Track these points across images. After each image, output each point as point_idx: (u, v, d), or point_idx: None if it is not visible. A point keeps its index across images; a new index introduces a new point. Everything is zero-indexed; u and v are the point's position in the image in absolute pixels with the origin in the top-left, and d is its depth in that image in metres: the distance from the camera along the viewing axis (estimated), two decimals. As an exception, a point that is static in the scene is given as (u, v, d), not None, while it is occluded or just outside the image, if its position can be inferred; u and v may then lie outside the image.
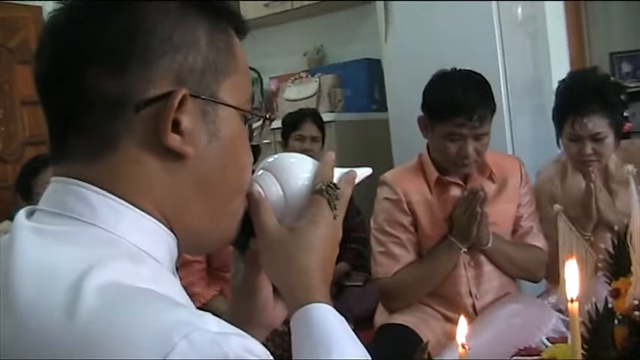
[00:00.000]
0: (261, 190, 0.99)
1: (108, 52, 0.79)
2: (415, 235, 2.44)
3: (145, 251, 0.79)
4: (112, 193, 0.79)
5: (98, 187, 0.79)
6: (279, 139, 3.90)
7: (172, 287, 0.76)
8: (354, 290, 3.51)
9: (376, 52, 4.46)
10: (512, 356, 1.99)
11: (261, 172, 1.02)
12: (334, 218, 0.98)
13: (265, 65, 5.02)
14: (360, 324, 2.75)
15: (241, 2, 4.65)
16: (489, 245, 2.37)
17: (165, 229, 0.83)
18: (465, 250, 2.36)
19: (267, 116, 1.03)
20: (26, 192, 3.21)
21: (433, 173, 2.42)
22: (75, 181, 0.80)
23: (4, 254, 0.75)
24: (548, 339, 2.08)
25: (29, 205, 2.65)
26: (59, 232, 0.76)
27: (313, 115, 3.80)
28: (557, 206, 1.84)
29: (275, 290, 1.06)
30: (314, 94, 4.45)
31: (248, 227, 0.97)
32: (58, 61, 0.81)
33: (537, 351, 1.98)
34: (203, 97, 0.82)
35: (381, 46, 4.12)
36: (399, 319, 2.38)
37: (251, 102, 0.93)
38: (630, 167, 1.38)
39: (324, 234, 0.96)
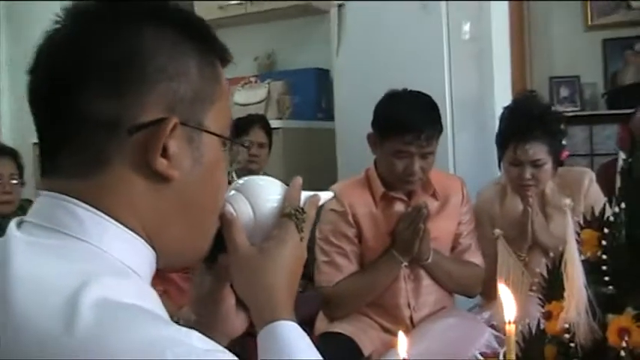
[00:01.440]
0: (232, 211, 1.04)
1: (106, 74, 0.82)
2: (359, 247, 2.51)
3: (128, 266, 0.83)
4: (100, 210, 0.83)
5: (87, 203, 0.82)
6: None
7: (155, 302, 0.81)
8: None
9: (326, 63, 4.51)
10: (445, 369, 2.08)
11: (232, 192, 1.08)
12: (300, 240, 1.05)
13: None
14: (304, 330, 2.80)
15: (195, 3, 4.66)
16: (429, 260, 2.46)
17: (147, 245, 0.87)
18: (406, 263, 2.44)
19: (245, 144, 1.09)
20: None
21: (379, 188, 2.50)
22: (64, 196, 0.83)
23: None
24: (481, 354, 2.18)
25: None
26: (50, 245, 0.79)
27: (261, 121, 3.83)
28: (497, 231, 1.94)
29: (237, 301, 1.11)
30: (263, 100, 4.48)
31: (218, 243, 1.02)
32: (55, 78, 0.84)
33: (470, 365, 2.07)
34: (191, 124, 0.86)
35: (332, 58, 4.17)
36: (339, 327, 2.45)
37: (230, 127, 0.97)
38: (568, 201, 1.47)
39: (291, 254, 1.03)
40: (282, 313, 0.99)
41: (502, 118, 2.67)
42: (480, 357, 2.16)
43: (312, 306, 2.78)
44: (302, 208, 1.08)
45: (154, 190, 0.85)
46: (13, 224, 0.84)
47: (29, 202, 3.63)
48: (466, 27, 4.01)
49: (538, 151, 2.53)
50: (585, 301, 1.44)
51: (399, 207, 2.50)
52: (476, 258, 2.60)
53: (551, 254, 1.62)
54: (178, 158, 0.85)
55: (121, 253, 0.83)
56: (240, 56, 5.13)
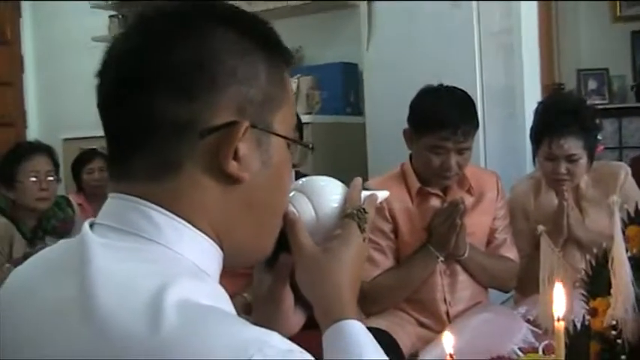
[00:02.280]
0: (295, 211, 1.06)
1: (177, 78, 0.83)
2: (395, 242, 2.52)
3: (201, 269, 0.85)
4: (174, 213, 0.85)
5: (161, 206, 0.84)
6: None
7: (228, 303, 0.83)
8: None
9: (353, 57, 4.53)
10: (484, 363, 2.09)
11: (294, 193, 1.09)
12: (363, 240, 1.07)
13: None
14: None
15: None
16: (466, 255, 2.47)
17: (217, 247, 0.89)
18: (442, 258, 2.46)
19: (310, 146, 1.12)
20: (9, 180, 3.18)
21: (415, 183, 2.51)
22: (139, 199, 0.85)
23: (76, 265, 0.80)
24: (519, 349, 2.19)
25: (11, 193, 2.69)
26: (128, 248, 0.81)
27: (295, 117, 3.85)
28: (540, 227, 1.95)
29: (295, 300, 1.14)
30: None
31: (279, 243, 1.04)
32: (126, 84, 0.85)
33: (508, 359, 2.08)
34: (261, 127, 0.88)
35: (361, 52, 4.19)
36: (376, 322, 2.46)
37: (295, 129, 0.99)
38: (615, 197, 1.48)
39: (355, 254, 1.05)
40: (349, 312, 1.01)
41: (536, 113, 2.68)
42: (518, 352, 2.17)
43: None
44: (364, 209, 1.09)
45: (224, 192, 0.87)
46: (86, 225, 0.86)
47: (64, 198, 3.69)
48: (496, 20, 4.02)
49: (573, 145, 2.53)
50: (633, 298, 1.45)
51: (435, 202, 2.51)
52: (511, 253, 2.61)
53: (595, 250, 1.63)
54: (248, 160, 0.87)
55: (195, 256, 0.85)
56: (268, 51, 5.15)
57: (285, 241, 1.07)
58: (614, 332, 1.50)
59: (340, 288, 1.03)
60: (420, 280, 2.49)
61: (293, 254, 1.06)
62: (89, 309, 0.75)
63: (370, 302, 2.53)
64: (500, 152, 3.91)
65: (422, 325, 2.51)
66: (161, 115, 0.83)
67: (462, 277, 2.54)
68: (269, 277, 1.13)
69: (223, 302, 0.81)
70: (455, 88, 2.49)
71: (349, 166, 4.03)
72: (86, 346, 0.74)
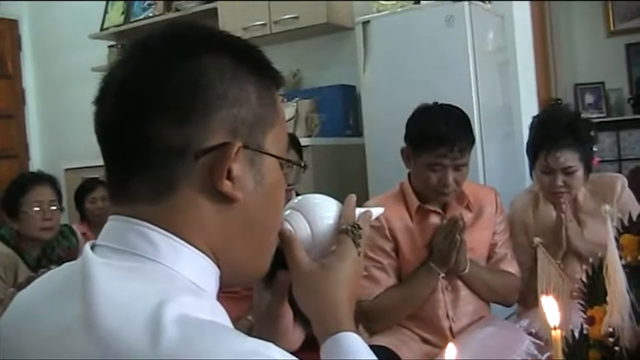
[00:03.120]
0: (291, 228, 1.09)
1: (172, 104, 0.87)
2: (396, 260, 2.54)
3: (199, 286, 0.88)
4: (171, 232, 0.88)
5: (158, 226, 0.87)
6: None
7: (226, 319, 0.85)
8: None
9: (351, 79, 4.57)
10: (488, 378, 2.10)
11: (289, 211, 1.13)
12: (358, 255, 1.10)
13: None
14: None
15: (221, 24, 4.73)
16: (466, 271, 2.48)
17: (214, 265, 0.92)
18: (443, 275, 2.47)
19: (302, 165, 1.15)
20: (13, 210, 3.21)
21: (414, 201, 2.53)
22: (137, 220, 0.88)
23: (78, 286, 0.83)
24: (522, 361, 2.20)
25: (16, 224, 2.71)
26: (128, 268, 0.84)
27: (292, 139, 3.87)
28: (537, 239, 1.97)
29: (294, 317, 1.16)
30: (291, 119, 4.53)
31: (276, 260, 1.07)
32: (124, 110, 0.88)
33: (512, 373, 2.10)
34: (252, 147, 0.91)
35: (358, 74, 4.23)
36: (379, 340, 2.48)
37: (287, 149, 1.03)
38: (607, 207, 1.50)
39: (351, 269, 1.08)
40: (346, 325, 1.04)
41: (532, 127, 2.71)
42: (522, 365, 2.19)
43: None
44: (358, 225, 1.12)
45: (219, 211, 0.90)
46: (87, 247, 0.89)
47: (68, 227, 3.72)
48: (490, 39, 4.07)
49: (569, 158, 2.56)
50: (628, 305, 1.47)
51: (435, 219, 2.54)
52: (512, 267, 2.63)
53: (590, 260, 1.65)
54: (242, 180, 0.90)
55: (193, 274, 0.88)
56: (266, 76, 5.20)
57: (282, 258, 1.09)
58: (611, 339, 1.51)
59: (337, 302, 1.06)
60: (423, 297, 2.50)
61: (290, 271, 1.09)
62: (93, 328, 0.77)
63: (373, 320, 2.55)
64: (499, 171, 3.95)
65: (425, 341, 2.52)
66: (157, 140, 0.86)
67: (464, 292, 2.55)
68: (268, 294, 1.16)
69: (221, 318, 0.83)
70: (450, 105, 2.52)
71: (350, 187, 4.03)
72: None
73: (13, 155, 6.23)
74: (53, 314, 0.85)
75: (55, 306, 0.86)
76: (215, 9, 4.98)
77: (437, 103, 2.53)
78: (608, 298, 1.51)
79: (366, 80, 4.17)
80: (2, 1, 5.88)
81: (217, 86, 0.89)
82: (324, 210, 1.14)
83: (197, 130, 0.87)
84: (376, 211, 1.22)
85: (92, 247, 0.90)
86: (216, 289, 0.94)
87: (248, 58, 0.94)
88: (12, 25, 6.26)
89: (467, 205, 2.58)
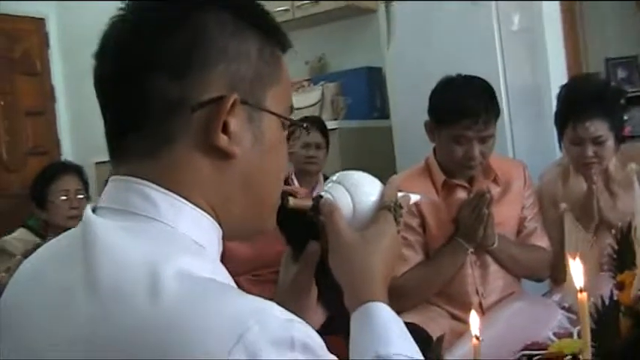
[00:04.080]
0: (333, 200, 1.10)
1: (171, 59, 0.85)
2: (423, 237, 2.50)
3: (201, 245, 0.86)
4: (170, 190, 0.86)
5: (157, 184, 0.86)
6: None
7: (228, 279, 0.84)
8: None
9: (377, 61, 4.54)
10: (519, 351, 2.05)
11: (331, 184, 1.15)
12: (397, 232, 1.11)
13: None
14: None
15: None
16: (495, 245, 2.44)
17: (215, 222, 0.90)
18: (472, 250, 2.43)
19: (305, 125, 1.13)
20: (41, 200, 3.23)
21: (440, 176, 2.49)
22: (136, 179, 0.86)
23: (80, 247, 0.82)
24: (554, 334, 2.15)
25: (44, 214, 2.71)
26: (129, 227, 0.83)
27: (318, 122, 3.85)
28: (563, 205, 1.92)
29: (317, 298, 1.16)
30: (317, 102, 4.51)
31: (308, 230, 1.08)
32: (124, 65, 0.87)
33: (544, 346, 2.04)
34: (251, 103, 0.89)
35: (383, 55, 4.19)
36: (408, 318, 2.43)
37: (291, 111, 1.01)
38: (634, 165, 1.45)
39: (389, 244, 1.09)
40: (379, 296, 1.04)
41: (559, 98, 2.65)
42: (553, 337, 2.13)
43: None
44: (400, 204, 1.13)
45: (217, 167, 0.88)
46: (88, 209, 0.88)
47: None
48: (516, 18, 3.99)
49: (599, 127, 2.49)
50: (658, 266, 1.42)
51: (461, 194, 2.49)
52: (542, 241, 2.57)
53: (619, 224, 1.60)
54: (239, 135, 0.88)
55: (195, 233, 0.86)
56: (292, 62, 5.19)
57: (313, 229, 1.11)
58: (641, 303, 1.47)
59: (373, 274, 1.06)
60: (451, 273, 2.46)
61: (330, 240, 1.09)
62: (93, 287, 0.77)
63: (401, 298, 2.50)
64: (529, 151, 3.86)
65: (455, 318, 2.48)
66: (156, 94, 0.85)
67: (494, 267, 2.50)
68: (295, 267, 1.16)
69: (222, 277, 0.82)
70: (473, 77, 2.47)
71: (378, 169, 4.00)
72: (92, 319, 0.75)
73: (45, 152, 6.26)
74: (56, 275, 0.85)
75: (57, 267, 0.86)
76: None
77: (460, 74, 2.49)
78: (637, 261, 1.46)
79: (390, 61, 4.12)
80: (29, 1, 5.91)
81: (217, 40, 0.87)
82: (368, 186, 1.16)
83: (195, 84, 0.86)
84: (414, 197, 1.23)
85: (94, 211, 0.88)
86: (219, 246, 0.93)
87: (251, 15, 0.92)
88: (39, 23, 6.30)
89: (494, 179, 2.53)
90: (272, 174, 0.97)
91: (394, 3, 4.02)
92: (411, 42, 4.01)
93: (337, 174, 1.18)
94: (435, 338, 2.36)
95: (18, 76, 6.13)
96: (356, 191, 1.13)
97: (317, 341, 0.77)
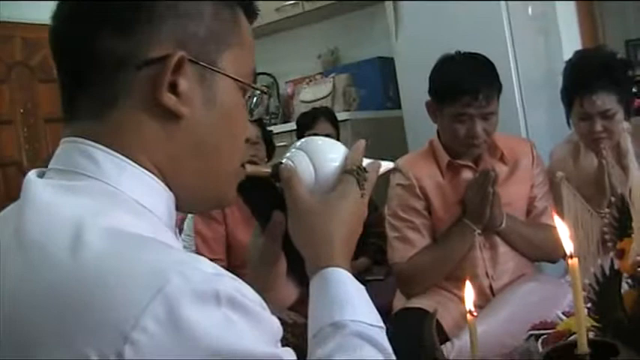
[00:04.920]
0: (293, 166, 1.06)
1: (117, 14, 0.82)
2: (429, 219, 2.45)
3: (145, 207, 0.82)
4: (115, 150, 0.83)
5: (102, 144, 0.83)
6: (296, 140, 3.92)
7: (172, 241, 0.80)
8: (376, 284, 3.51)
9: (389, 51, 4.48)
10: (527, 331, 2.00)
11: (293, 150, 1.10)
12: (361, 197, 1.05)
13: (280, 69, 5.08)
14: (383, 317, 2.73)
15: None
16: (503, 226, 2.38)
17: (164, 185, 0.86)
18: (479, 231, 2.37)
19: (264, 90, 1.09)
20: None
21: (444, 157, 2.44)
22: (81, 139, 0.84)
23: (16, 205, 0.81)
24: (563, 313, 2.08)
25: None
26: (67, 185, 0.80)
27: (326, 113, 3.80)
28: (559, 173, 1.85)
29: (287, 271, 1.12)
30: (329, 94, 4.48)
31: (272, 199, 1.05)
32: (73, 22, 0.85)
33: (553, 325, 1.98)
34: (202, 63, 0.86)
35: (393, 45, 4.14)
36: (417, 303, 2.39)
37: (253, 77, 0.97)
38: (625, 124, 1.39)
39: (351, 208, 1.04)
40: (338, 261, 1.00)
41: (565, 72, 2.57)
42: (562, 316, 2.06)
43: (394, 293, 2.72)
44: (364, 168, 1.09)
45: (165, 129, 0.85)
46: (33, 171, 0.85)
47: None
48: (528, 6, 3.92)
49: (607, 101, 2.41)
50: (656, 229, 1.36)
51: (467, 174, 2.43)
52: (553, 221, 2.49)
53: (619, 190, 1.53)
54: (189, 96, 0.85)
55: (138, 193, 0.83)
56: (304, 56, 5.22)
57: (278, 198, 1.07)
58: (640, 269, 1.40)
59: (332, 239, 1.02)
60: (459, 255, 2.40)
61: (288, 207, 1.05)
62: (20, 241, 0.75)
63: (409, 283, 2.47)
64: (544, 136, 3.77)
65: (465, 302, 2.41)
66: (102, 52, 0.83)
67: (503, 249, 2.44)
68: (262, 240, 1.12)
69: (166, 239, 0.78)
70: (472, 53, 2.42)
71: (391, 159, 3.95)
72: (20, 275, 0.73)
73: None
74: None
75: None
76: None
77: (459, 51, 2.43)
78: (634, 224, 1.39)
79: (399, 50, 4.07)
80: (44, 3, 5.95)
81: None
82: (330, 152, 1.11)
83: (141, 41, 0.83)
84: (385, 165, 1.18)
85: (44, 174, 0.86)
86: (171, 213, 0.89)
87: None
88: (56, 30, 6.36)
89: (501, 158, 2.47)
90: (227, 139, 0.93)
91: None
92: (419, 30, 3.95)
93: (301, 140, 1.13)
94: (444, 324, 2.31)
95: (37, 84, 6.17)
96: (317, 157, 1.08)
97: (250, 297, 0.73)
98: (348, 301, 0.95)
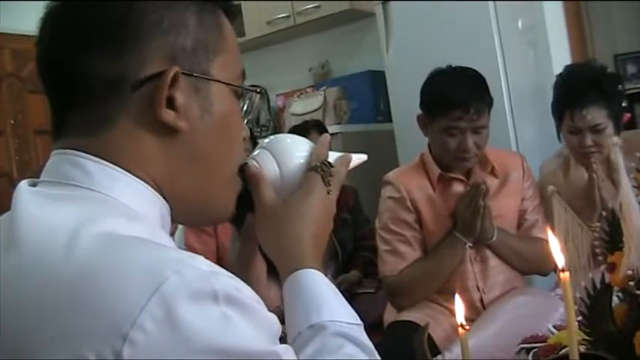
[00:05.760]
0: (258, 166, 1.04)
1: (103, 35, 0.83)
2: (420, 232, 2.45)
3: (138, 213, 0.82)
4: (108, 162, 0.83)
5: (94, 156, 0.83)
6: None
7: (168, 243, 0.79)
8: (366, 297, 3.51)
9: (379, 64, 4.49)
10: (518, 344, 1.99)
11: (258, 150, 1.07)
12: (327, 193, 1.03)
13: (271, 82, 5.07)
14: (373, 330, 2.74)
15: (245, 21, 4.73)
16: (494, 239, 2.38)
17: (157, 194, 0.86)
18: (470, 244, 2.37)
19: (259, 90, 1.09)
20: None
21: (435, 170, 2.44)
22: (72, 151, 0.83)
23: (7, 215, 0.80)
24: (554, 326, 2.08)
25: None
26: (57, 195, 0.80)
27: (317, 125, 3.81)
28: (550, 187, 1.86)
29: (269, 272, 1.11)
30: (320, 107, 4.48)
31: (244, 202, 1.01)
32: (57, 44, 0.85)
33: (544, 338, 1.98)
34: (195, 74, 0.86)
35: (383, 58, 4.15)
36: (407, 316, 2.39)
37: (242, 78, 0.97)
38: (615, 139, 1.39)
39: (317, 206, 1.02)
40: (308, 262, 0.98)
41: (556, 86, 2.58)
42: (553, 329, 2.06)
43: (384, 307, 2.71)
44: (329, 163, 1.07)
45: (163, 143, 0.85)
46: (24, 182, 0.85)
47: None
48: (517, 14, 3.94)
49: (597, 115, 2.42)
50: (646, 242, 1.36)
51: (458, 188, 2.44)
52: (544, 234, 2.50)
53: (610, 205, 1.53)
54: (186, 109, 0.85)
55: (131, 201, 0.82)
56: (295, 69, 5.22)
57: (250, 201, 1.04)
58: (631, 283, 1.40)
59: (299, 238, 1.00)
60: (450, 268, 2.41)
61: (255, 209, 1.04)
62: (12, 245, 0.74)
63: (400, 296, 2.46)
64: (534, 150, 3.78)
65: (455, 315, 2.41)
66: (92, 74, 0.83)
67: (494, 262, 2.44)
68: (238, 242, 1.11)
69: (161, 240, 0.78)
70: (463, 67, 2.43)
71: (382, 172, 3.96)
72: (12, 278, 0.72)
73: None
74: None
75: None
76: (239, 4, 4.95)
77: (450, 65, 2.44)
78: (624, 238, 1.40)
79: (390, 63, 4.07)
80: (35, 14, 5.93)
81: (150, 13, 0.84)
82: (295, 149, 1.08)
83: (132, 60, 0.83)
84: (357, 157, 1.15)
85: (35, 185, 0.85)
86: (165, 223, 0.89)
87: None
88: (46, 42, 6.34)
89: (492, 171, 2.48)
90: (224, 144, 0.93)
91: (391, 3, 3.97)
92: (409, 44, 3.95)
93: (266, 139, 1.10)
94: (435, 337, 2.31)
95: (27, 95, 6.15)
96: (281, 155, 1.06)
97: (247, 294, 0.73)
98: (324, 302, 0.94)
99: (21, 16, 5.78)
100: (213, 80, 0.89)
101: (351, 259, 3.73)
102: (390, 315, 2.53)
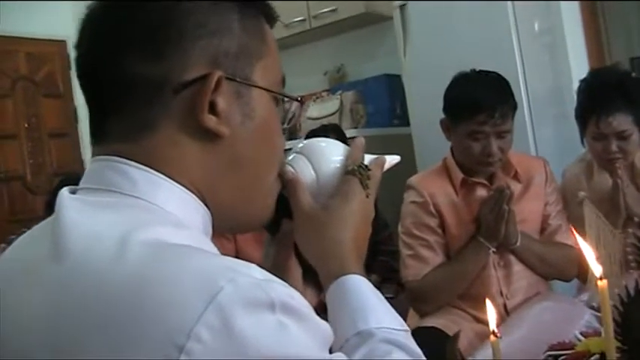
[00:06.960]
0: (294, 171, 1.02)
1: (145, 37, 0.82)
2: (443, 237, 2.44)
3: (183, 222, 0.81)
4: (151, 168, 0.82)
5: (136, 162, 0.82)
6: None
7: (214, 251, 0.78)
8: (386, 302, 3.49)
9: (396, 68, 4.48)
10: (545, 352, 1.98)
11: (293, 155, 1.06)
12: (366, 197, 1.02)
13: (287, 86, 5.03)
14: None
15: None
16: (518, 244, 2.36)
17: (199, 201, 0.85)
18: (494, 249, 2.36)
19: (299, 99, 1.08)
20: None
21: (458, 174, 2.43)
22: (114, 157, 0.82)
23: (50, 222, 0.78)
24: (581, 333, 2.06)
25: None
26: (101, 202, 0.79)
27: (335, 129, 3.79)
28: (582, 193, 1.84)
29: (304, 278, 1.09)
30: (336, 111, 4.47)
31: (280, 208, 1.00)
32: (98, 46, 0.84)
33: (571, 345, 1.96)
34: (238, 79, 0.85)
35: (401, 62, 4.14)
36: (430, 321, 2.37)
37: (282, 85, 0.96)
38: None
39: (356, 210, 1.01)
40: (351, 267, 0.97)
41: (579, 91, 2.56)
42: (581, 337, 2.04)
43: (404, 311, 2.70)
44: (366, 165, 1.05)
45: (205, 149, 0.84)
46: (65, 189, 0.84)
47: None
48: (534, 18, 3.92)
49: (622, 121, 2.40)
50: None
51: (481, 192, 2.42)
52: (568, 239, 2.48)
53: (635, 210, 1.51)
54: (228, 114, 0.84)
55: (175, 208, 0.81)
56: (310, 73, 5.21)
57: (287, 206, 1.02)
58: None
59: (340, 243, 0.99)
60: (473, 273, 2.39)
61: (294, 216, 1.02)
62: (61, 256, 0.73)
63: (422, 301, 2.45)
64: (554, 153, 3.76)
65: (479, 320, 2.39)
66: (133, 76, 0.82)
67: (518, 267, 2.43)
68: (274, 248, 1.10)
69: (207, 247, 0.77)
70: (488, 71, 2.41)
71: (399, 176, 3.94)
72: (59, 290, 0.71)
73: (70, 173, 6.28)
74: (23, 254, 0.83)
75: (27, 247, 0.84)
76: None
77: (474, 69, 2.43)
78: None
79: (407, 66, 4.07)
80: (49, 18, 5.94)
81: (194, 15, 0.83)
82: (331, 153, 1.07)
83: (174, 63, 0.82)
84: (391, 159, 1.15)
85: (75, 192, 0.84)
86: (207, 230, 0.88)
87: None
88: (61, 45, 6.31)
89: (515, 176, 2.47)
90: (265, 150, 0.92)
91: (408, 4, 3.95)
92: (427, 47, 3.95)
93: (300, 143, 1.09)
94: (458, 343, 2.29)
95: (41, 99, 6.17)
96: (317, 159, 1.04)
97: (301, 302, 0.72)
98: (370, 308, 0.92)
99: (36, 20, 5.82)
100: (256, 86, 0.88)
101: (370, 264, 3.72)
102: (412, 320, 2.51)
